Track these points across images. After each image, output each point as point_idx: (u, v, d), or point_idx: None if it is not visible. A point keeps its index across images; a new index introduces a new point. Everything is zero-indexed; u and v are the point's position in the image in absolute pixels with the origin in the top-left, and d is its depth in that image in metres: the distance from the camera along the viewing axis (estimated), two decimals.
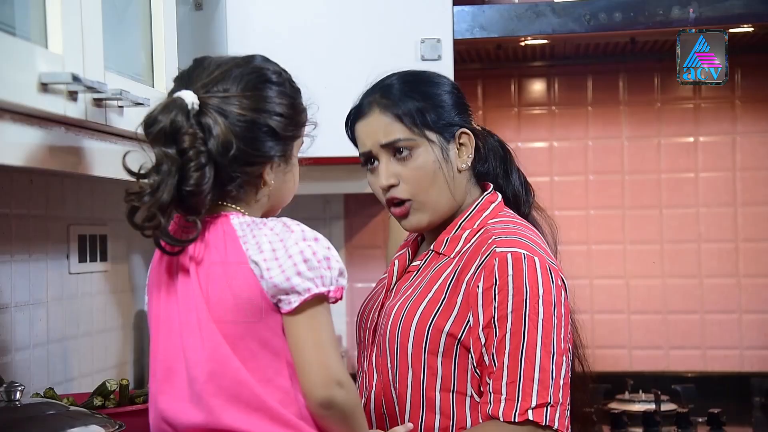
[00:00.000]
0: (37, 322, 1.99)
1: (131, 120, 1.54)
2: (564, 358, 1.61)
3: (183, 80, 1.41)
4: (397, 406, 1.68)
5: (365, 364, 1.77)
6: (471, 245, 1.69)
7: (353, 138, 1.77)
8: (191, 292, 1.37)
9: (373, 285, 1.91)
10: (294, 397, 1.36)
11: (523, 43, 2.79)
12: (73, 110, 1.37)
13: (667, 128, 3.12)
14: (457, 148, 1.73)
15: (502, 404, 1.57)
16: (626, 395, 2.90)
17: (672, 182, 3.11)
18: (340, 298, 1.39)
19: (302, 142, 1.50)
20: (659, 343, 3.10)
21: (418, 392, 1.66)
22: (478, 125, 1.81)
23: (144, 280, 2.50)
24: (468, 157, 1.74)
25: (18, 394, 1.48)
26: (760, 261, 3.07)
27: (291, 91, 1.45)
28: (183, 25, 1.93)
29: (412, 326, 1.65)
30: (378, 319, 1.75)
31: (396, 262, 1.82)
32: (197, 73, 1.41)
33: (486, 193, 1.77)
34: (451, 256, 1.70)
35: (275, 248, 1.35)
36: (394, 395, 1.68)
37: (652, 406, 2.77)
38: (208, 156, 1.35)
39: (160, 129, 1.33)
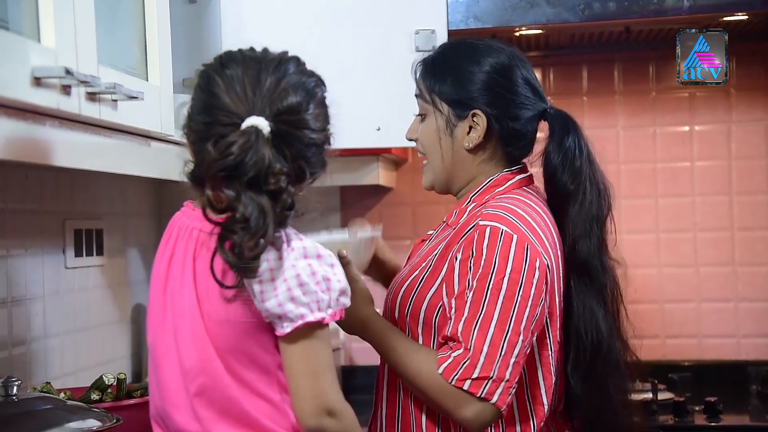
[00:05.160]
0: (34, 317, 1.99)
1: (125, 114, 1.54)
2: (520, 338, 1.60)
3: (234, 91, 1.31)
4: (384, 369, 1.74)
5: None
6: (467, 217, 1.72)
7: None
8: (187, 296, 1.35)
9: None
10: (285, 411, 1.35)
11: (517, 34, 2.79)
12: (67, 104, 1.37)
13: (662, 117, 3.12)
14: (469, 127, 1.74)
15: (448, 361, 1.59)
16: None
17: (667, 171, 3.11)
18: (340, 320, 1.36)
19: None
20: (656, 332, 3.10)
21: None
22: (553, 110, 1.79)
23: (140, 275, 2.52)
24: (478, 138, 1.73)
25: (15, 389, 1.48)
26: (755, 249, 3.07)
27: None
28: (176, 17, 1.93)
29: (400, 293, 1.72)
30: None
31: None
32: (252, 86, 1.31)
33: (504, 170, 1.76)
34: (455, 226, 1.73)
35: (272, 267, 1.29)
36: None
37: (649, 395, 2.77)
38: (289, 192, 1.30)
39: (255, 174, 1.26)
